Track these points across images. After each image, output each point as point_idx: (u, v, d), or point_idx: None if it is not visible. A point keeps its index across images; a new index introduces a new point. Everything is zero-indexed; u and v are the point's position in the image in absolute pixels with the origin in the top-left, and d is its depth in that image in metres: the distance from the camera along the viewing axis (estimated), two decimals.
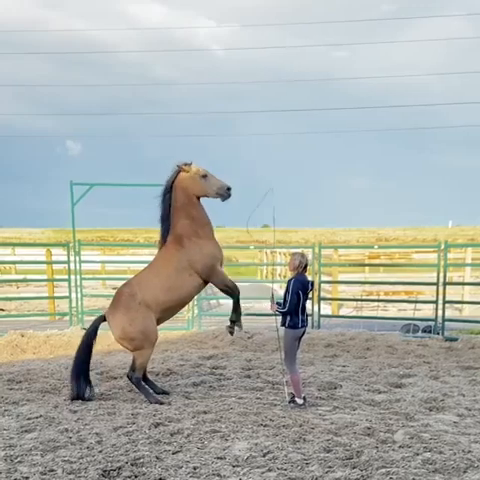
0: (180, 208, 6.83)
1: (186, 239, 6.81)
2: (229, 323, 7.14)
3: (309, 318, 6.79)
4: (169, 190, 6.85)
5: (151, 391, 6.93)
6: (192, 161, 6.89)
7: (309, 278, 6.67)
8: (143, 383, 6.89)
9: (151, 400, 6.64)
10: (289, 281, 6.47)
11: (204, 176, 6.79)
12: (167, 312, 6.92)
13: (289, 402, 6.48)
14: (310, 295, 6.78)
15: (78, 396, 6.69)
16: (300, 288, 6.36)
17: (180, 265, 6.76)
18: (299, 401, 6.42)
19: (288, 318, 6.41)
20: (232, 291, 6.99)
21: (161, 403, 6.57)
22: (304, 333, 6.61)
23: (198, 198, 6.91)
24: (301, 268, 6.47)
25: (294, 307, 6.35)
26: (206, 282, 6.99)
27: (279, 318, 6.57)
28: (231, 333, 7.15)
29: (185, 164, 6.84)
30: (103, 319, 6.86)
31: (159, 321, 6.88)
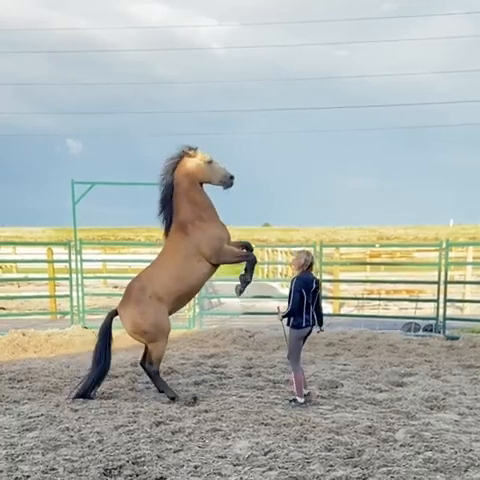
0: (183, 193, 6.75)
1: (190, 225, 6.74)
2: (242, 284, 6.86)
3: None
4: (171, 174, 6.77)
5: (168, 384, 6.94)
6: (197, 147, 6.81)
7: (314, 276, 6.58)
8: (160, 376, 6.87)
9: (169, 394, 6.62)
10: (292, 280, 6.43)
11: (209, 162, 6.75)
12: (179, 301, 6.89)
13: (290, 401, 6.47)
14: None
15: (84, 395, 6.68)
16: (303, 287, 6.29)
17: (188, 252, 6.70)
18: (300, 400, 6.41)
19: (292, 318, 6.39)
20: (246, 258, 6.89)
21: (177, 397, 6.57)
22: (310, 332, 6.54)
23: (201, 184, 6.87)
24: (306, 266, 6.40)
25: (297, 306, 6.30)
26: (216, 265, 6.90)
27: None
28: (241, 292, 6.89)
29: (190, 149, 6.77)
30: (115, 314, 6.85)
31: (172, 311, 6.86)
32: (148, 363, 6.81)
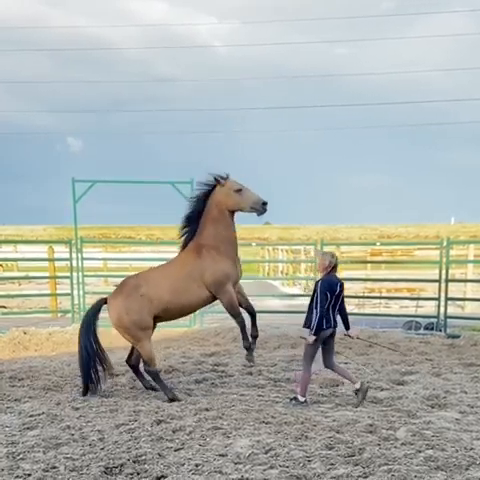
0: (210, 220, 6.78)
1: (205, 251, 6.76)
2: (248, 352, 6.93)
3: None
4: (202, 201, 6.82)
5: (170, 385, 6.97)
6: (228, 174, 6.78)
7: (338, 279, 6.44)
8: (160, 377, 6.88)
9: (168, 395, 6.62)
10: (317, 282, 6.34)
11: (238, 190, 6.68)
12: (168, 313, 6.84)
13: (291, 399, 6.47)
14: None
15: (87, 389, 6.73)
16: (328, 289, 6.21)
17: (192, 274, 6.73)
18: (301, 399, 6.40)
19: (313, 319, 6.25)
20: (234, 316, 6.87)
21: (179, 400, 6.55)
22: (333, 334, 6.47)
23: (232, 212, 6.83)
24: (330, 268, 6.29)
25: (325, 309, 6.20)
26: (214, 298, 6.88)
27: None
28: (250, 360, 6.98)
29: (221, 177, 6.73)
30: (104, 302, 6.87)
31: (157, 319, 6.84)
32: (145, 365, 6.83)
